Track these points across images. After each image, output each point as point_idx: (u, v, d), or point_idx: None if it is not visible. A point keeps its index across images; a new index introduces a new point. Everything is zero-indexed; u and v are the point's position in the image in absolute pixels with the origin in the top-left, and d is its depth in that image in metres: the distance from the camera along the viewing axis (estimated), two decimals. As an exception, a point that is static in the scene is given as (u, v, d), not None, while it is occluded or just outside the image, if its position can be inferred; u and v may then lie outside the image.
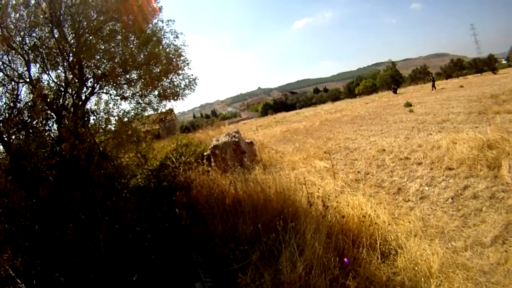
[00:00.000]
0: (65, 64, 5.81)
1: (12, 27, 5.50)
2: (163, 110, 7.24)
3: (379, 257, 4.03)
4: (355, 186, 6.84)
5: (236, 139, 10.39)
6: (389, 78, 56.35)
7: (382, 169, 7.80)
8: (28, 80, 5.58)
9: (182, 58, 6.60)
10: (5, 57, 5.58)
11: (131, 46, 6.12)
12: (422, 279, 3.59)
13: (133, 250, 4.56)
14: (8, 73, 5.59)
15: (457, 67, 54.64)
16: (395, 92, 36.71)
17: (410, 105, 18.39)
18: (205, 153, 10.35)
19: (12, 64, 5.64)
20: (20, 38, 5.58)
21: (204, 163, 9.17)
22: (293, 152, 11.95)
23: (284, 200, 5.08)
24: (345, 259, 3.57)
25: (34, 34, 5.67)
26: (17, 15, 5.52)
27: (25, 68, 5.65)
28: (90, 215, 4.62)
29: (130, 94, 6.43)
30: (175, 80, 6.72)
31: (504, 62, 58.82)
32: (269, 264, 4.13)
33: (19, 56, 5.62)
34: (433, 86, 30.06)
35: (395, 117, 15.49)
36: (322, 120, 21.98)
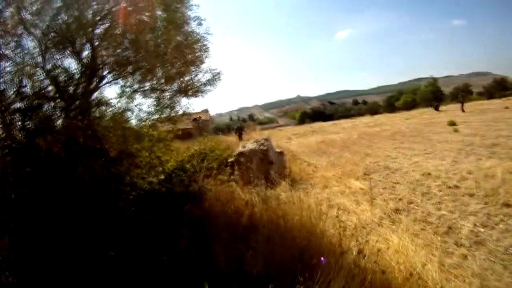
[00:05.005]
0: (81, 54, 5.55)
1: (30, 13, 5.22)
2: (190, 110, 6.55)
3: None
4: (396, 218, 5.74)
5: (265, 147, 9.56)
6: (430, 94, 54.11)
7: (428, 198, 6.66)
8: (42, 66, 5.29)
9: (204, 47, 5.98)
10: (21, 41, 5.26)
11: (153, 36, 5.59)
12: None
13: (130, 252, 4.18)
14: (24, 58, 5.26)
15: (499, 87, 51.97)
16: (436, 109, 34.67)
17: (454, 124, 17.20)
18: (229, 160, 9.60)
19: (26, 50, 5.31)
20: (38, 25, 5.28)
21: (227, 170, 8.42)
22: (327, 167, 10.97)
23: (310, 233, 3.93)
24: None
25: (52, 21, 5.35)
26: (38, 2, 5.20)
27: (40, 54, 5.32)
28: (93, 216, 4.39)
29: (149, 88, 5.92)
30: (195, 73, 6.14)
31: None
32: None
33: (34, 41, 5.30)
34: (462, 108, 28.57)
35: (439, 136, 14.28)
36: (360, 133, 20.77)
